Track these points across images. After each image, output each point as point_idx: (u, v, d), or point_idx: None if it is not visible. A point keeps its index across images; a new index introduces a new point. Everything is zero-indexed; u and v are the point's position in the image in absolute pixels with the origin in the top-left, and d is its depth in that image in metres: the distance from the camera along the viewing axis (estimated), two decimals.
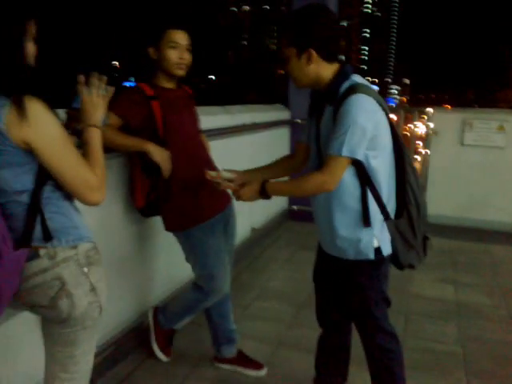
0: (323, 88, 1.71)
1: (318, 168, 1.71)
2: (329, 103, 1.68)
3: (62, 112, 1.49)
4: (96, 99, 1.40)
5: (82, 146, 1.37)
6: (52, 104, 1.25)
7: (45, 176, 1.25)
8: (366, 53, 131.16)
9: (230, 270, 2.34)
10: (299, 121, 4.87)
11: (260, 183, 1.75)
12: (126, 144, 2.03)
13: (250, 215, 4.14)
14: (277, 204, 4.91)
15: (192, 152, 2.17)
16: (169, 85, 2.14)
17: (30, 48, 1.26)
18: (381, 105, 1.64)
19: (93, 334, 1.40)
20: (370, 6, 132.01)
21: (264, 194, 1.74)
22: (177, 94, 2.17)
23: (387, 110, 1.68)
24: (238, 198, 1.80)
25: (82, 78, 1.41)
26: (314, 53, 1.65)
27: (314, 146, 1.79)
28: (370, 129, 1.58)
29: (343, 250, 1.76)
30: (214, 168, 2.25)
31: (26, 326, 1.71)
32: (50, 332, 1.35)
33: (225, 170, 1.91)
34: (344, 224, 1.72)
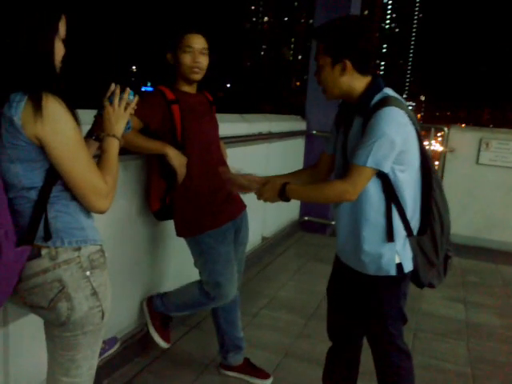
0: (354, 100, 1.69)
1: (341, 178, 1.69)
2: (359, 115, 1.65)
3: (84, 113, 1.51)
4: (118, 110, 1.41)
5: (100, 153, 1.38)
6: (74, 104, 1.25)
7: (56, 174, 1.25)
8: (383, 68, 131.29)
9: (239, 278, 2.35)
10: (315, 132, 4.89)
11: (281, 184, 1.71)
12: (146, 146, 2.05)
13: (261, 223, 4.14)
14: (288, 214, 4.91)
15: (209, 158, 2.18)
16: (189, 89, 2.15)
17: (59, 48, 1.28)
18: (411, 119, 1.62)
19: (96, 339, 1.37)
20: (389, 21, 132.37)
21: (283, 195, 1.70)
22: (197, 99, 2.19)
23: (417, 125, 1.65)
24: (259, 197, 1.77)
25: (113, 86, 1.42)
26: (349, 64, 1.62)
27: (340, 157, 1.77)
28: (398, 142, 1.56)
29: (365, 265, 1.72)
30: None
31: (31, 326, 1.71)
32: (52, 335, 1.34)
33: (246, 174, 1.87)
34: (367, 238, 1.69)
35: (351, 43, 1.62)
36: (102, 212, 1.32)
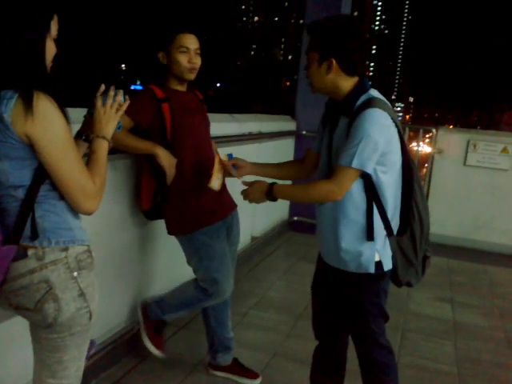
0: (340, 99, 1.71)
1: (326, 177, 1.72)
2: (344, 115, 1.68)
3: (73, 111, 1.49)
4: (109, 112, 1.40)
5: (89, 153, 1.37)
6: (64, 103, 1.24)
7: (44, 173, 1.24)
8: (372, 69, 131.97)
9: (233, 275, 2.35)
10: (305, 132, 4.90)
11: (268, 184, 1.76)
12: (136, 146, 2.04)
13: (251, 223, 4.14)
14: (278, 214, 4.92)
15: (201, 156, 2.18)
16: (180, 88, 2.15)
17: (51, 47, 1.27)
18: (394, 121, 1.65)
19: (83, 339, 1.36)
20: (378, 23, 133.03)
21: (271, 195, 1.76)
22: (188, 97, 2.19)
23: (400, 127, 1.68)
24: (246, 197, 1.83)
25: (103, 86, 1.42)
26: (334, 63, 1.64)
27: (324, 155, 1.79)
28: (381, 144, 1.59)
29: (345, 262, 1.76)
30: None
31: (16, 326, 1.68)
32: (38, 337, 1.32)
33: (236, 158, 1.98)
34: (348, 236, 1.72)
35: (340, 43, 1.64)
36: (89, 213, 1.31)
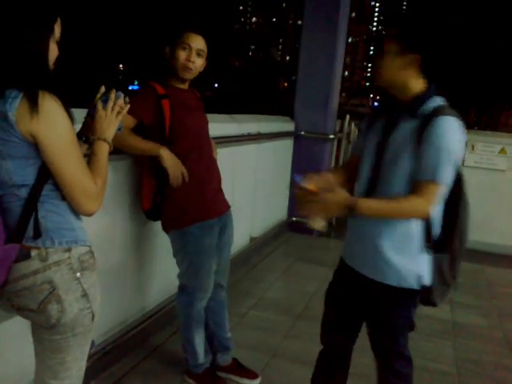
0: (406, 99, 1.57)
1: (370, 182, 1.62)
2: (410, 117, 1.55)
3: (74, 111, 1.49)
4: (111, 115, 1.40)
5: (90, 155, 1.37)
6: (69, 103, 1.25)
7: (47, 173, 1.24)
8: (370, 70, 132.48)
9: (225, 278, 2.38)
10: (303, 133, 4.91)
11: (349, 197, 1.53)
12: (139, 147, 2.05)
13: (249, 224, 4.15)
14: (276, 215, 4.92)
15: (200, 153, 2.18)
16: (180, 86, 2.16)
17: (54, 49, 1.28)
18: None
19: (85, 340, 1.36)
20: (376, 24, 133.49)
21: (352, 210, 1.51)
22: (188, 94, 2.20)
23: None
24: (316, 208, 1.52)
25: (103, 88, 1.42)
26: (417, 61, 1.52)
27: (371, 158, 1.65)
28: (459, 158, 1.53)
29: (385, 275, 1.64)
30: (218, 171, 2.27)
31: (15, 327, 1.69)
32: (40, 338, 1.32)
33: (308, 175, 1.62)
34: (393, 248, 1.61)
35: (436, 45, 1.51)
36: (90, 214, 1.32)
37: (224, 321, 2.43)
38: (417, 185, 1.53)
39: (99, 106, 1.39)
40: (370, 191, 1.64)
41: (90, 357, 1.44)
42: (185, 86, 2.18)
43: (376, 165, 1.62)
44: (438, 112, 1.51)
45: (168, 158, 2.04)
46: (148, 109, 2.05)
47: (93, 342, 2.14)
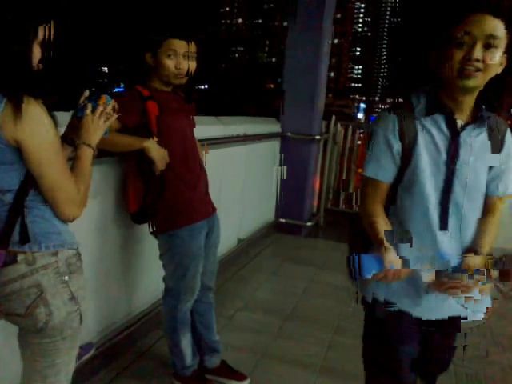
0: (471, 104, 1.36)
1: (443, 210, 1.37)
2: (477, 124, 1.36)
3: (64, 115, 1.49)
4: (98, 121, 1.40)
5: (74, 159, 1.37)
6: (53, 107, 1.25)
7: (33, 178, 1.23)
8: (355, 71, 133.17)
9: (212, 279, 2.38)
10: (289, 134, 4.92)
11: (480, 258, 1.34)
12: (125, 142, 2.02)
13: (237, 225, 4.15)
14: (264, 216, 4.93)
15: (187, 154, 2.17)
16: (164, 88, 2.16)
17: (37, 52, 1.26)
18: None
19: (74, 343, 1.36)
20: (361, 25, 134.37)
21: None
22: (172, 96, 2.19)
23: None
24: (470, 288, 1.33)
25: (87, 92, 1.41)
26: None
27: (435, 180, 1.37)
28: None
29: (462, 310, 1.48)
30: (205, 173, 2.27)
31: (13, 326, 1.68)
32: (28, 342, 1.31)
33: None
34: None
35: None
36: (71, 220, 1.32)
37: (212, 323, 2.43)
38: (493, 201, 1.41)
39: (88, 110, 1.39)
40: (444, 221, 1.39)
41: (78, 362, 1.44)
42: (168, 88, 2.18)
43: (446, 188, 1.36)
44: (500, 121, 1.39)
45: (154, 148, 2.02)
46: (131, 112, 2.03)
47: (91, 345, 2.13)
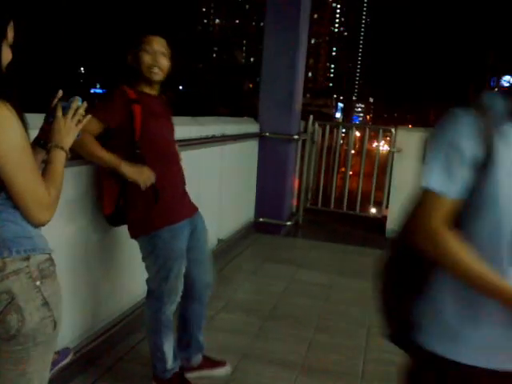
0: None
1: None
2: None
3: (31, 117, 1.46)
4: (70, 123, 1.37)
5: (46, 162, 1.34)
6: (23, 108, 1.22)
7: (2, 182, 1.20)
8: (333, 71, 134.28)
9: (208, 272, 2.39)
10: (268, 134, 4.94)
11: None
12: (102, 158, 2.01)
13: (217, 226, 4.14)
14: (243, 216, 4.93)
15: (167, 159, 2.18)
16: (150, 91, 2.16)
17: (7, 53, 1.24)
18: None
19: (48, 349, 1.32)
20: (337, 25, 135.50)
21: None
22: (156, 100, 2.20)
23: None
24: None
25: (60, 92, 1.39)
26: None
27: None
28: None
29: None
30: (183, 174, 2.26)
31: None
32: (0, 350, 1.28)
33: None
34: None
35: None
36: (41, 224, 1.29)
37: (202, 322, 2.44)
38: None
39: (59, 113, 1.36)
40: None
41: (55, 368, 1.41)
42: (154, 92, 2.18)
43: None
44: None
45: (131, 172, 2.01)
46: (117, 113, 2.03)
47: (68, 350, 2.09)
